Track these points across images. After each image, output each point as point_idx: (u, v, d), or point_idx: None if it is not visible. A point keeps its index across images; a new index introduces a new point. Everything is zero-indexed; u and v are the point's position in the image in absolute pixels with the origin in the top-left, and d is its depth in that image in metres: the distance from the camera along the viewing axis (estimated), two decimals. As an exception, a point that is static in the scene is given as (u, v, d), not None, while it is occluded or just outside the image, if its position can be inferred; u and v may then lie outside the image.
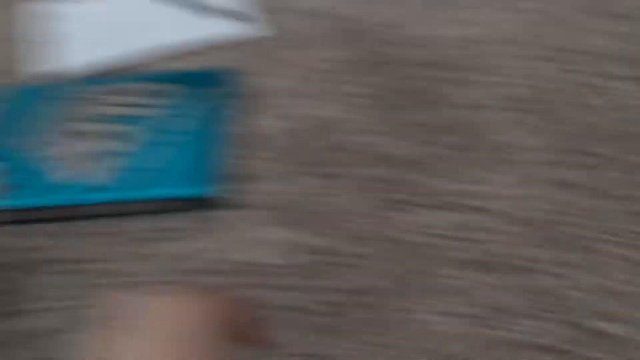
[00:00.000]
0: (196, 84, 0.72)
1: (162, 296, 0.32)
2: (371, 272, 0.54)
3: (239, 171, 0.64)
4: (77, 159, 0.63)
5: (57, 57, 0.81)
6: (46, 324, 0.53)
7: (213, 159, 0.62)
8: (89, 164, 0.62)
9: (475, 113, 0.67)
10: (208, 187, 0.59)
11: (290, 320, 0.51)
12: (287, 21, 0.84)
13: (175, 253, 0.57)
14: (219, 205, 0.59)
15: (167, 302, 0.31)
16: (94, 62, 0.79)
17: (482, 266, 0.54)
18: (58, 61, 0.80)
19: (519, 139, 0.64)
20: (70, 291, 0.55)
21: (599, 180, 0.60)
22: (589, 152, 0.63)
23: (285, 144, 0.66)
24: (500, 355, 0.49)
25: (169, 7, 0.89)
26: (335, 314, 0.51)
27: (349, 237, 0.56)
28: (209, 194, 0.59)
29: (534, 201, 0.58)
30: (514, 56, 0.74)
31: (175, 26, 0.85)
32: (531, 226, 0.56)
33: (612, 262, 0.54)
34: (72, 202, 0.59)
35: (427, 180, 0.61)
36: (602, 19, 0.78)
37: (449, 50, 0.76)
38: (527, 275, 0.53)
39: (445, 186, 0.60)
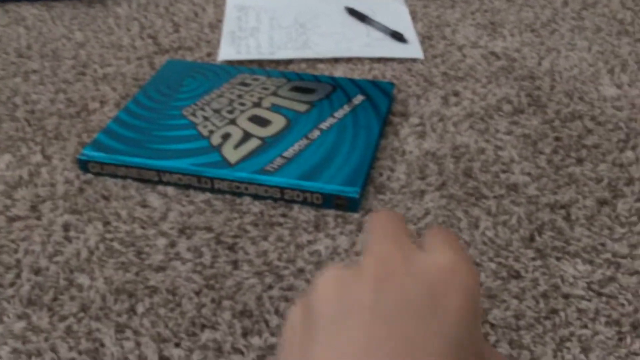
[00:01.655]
0: (361, 92, 0.74)
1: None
2: (487, 303, 0.52)
3: (375, 180, 0.64)
4: (218, 133, 0.68)
5: (245, 48, 0.87)
6: (168, 277, 0.56)
7: (363, 163, 0.63)
8: (229, 141, 0.66)
9: (630, 175, 0.63)
10: (354, 190, 0.60)
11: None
12: (442, 50, 0.85)
13: (307, 244, 0.58)
14: (357, 208, 0.60)
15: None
16: (275, 55, 0.85)
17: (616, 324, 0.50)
18: (247, 50, 0.86)
19: (677, 206, 0.59)
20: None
21: None
22: None
23: (423, 162, 0.66)
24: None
25: (358, 23, 0.93)
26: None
27: (471, 264, 0.55)
28: (354, 196, 0.60)
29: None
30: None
31: (362, 41, 0.88)
32: (674, 298, 0.52)
33: None
34: (230, 177, 0.63)
35: (567, 228, 0.58)
36: None
37: (612, 110, 0.72)
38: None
39: (586, 237, 0.57)
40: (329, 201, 0.61)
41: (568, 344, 0.48)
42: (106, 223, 0.61)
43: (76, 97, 0.79)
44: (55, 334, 0.51)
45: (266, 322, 0.51)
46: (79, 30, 0.94)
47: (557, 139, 0.68)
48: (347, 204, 0.61)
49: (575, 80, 0.77)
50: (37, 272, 0.56)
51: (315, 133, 0.68)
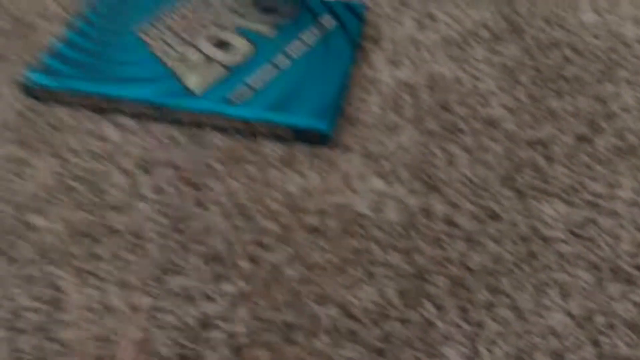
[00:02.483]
0: (330, 12, 0.69)
1: None
2: (465, 247, 0.50)
3: (346, 111, 0.61)
4: (177, 57, 0.62)
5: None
6: (130, 217, 0.53)
7: (335, 95, 0.59)
8: (189, 67, 0.61)
9: (610, 109, 0.61)
10: (327, 123, 0.57)
11: (370, 273, 0.49)
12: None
13: (277, 182, 0.55)
14: (328, 142, 0.57)
15: None
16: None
17: (595, 268, 0.49)
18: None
19: (654, 143, 0.58)
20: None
21: None
22: None
23: (397, 93, 0.63)
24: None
25: None
26: (418, 277, 0.49)
27: (445, 203, 0.53)
28: (326, 130, 0.57)
29: (657, 213, 0.53)
30: (668, 55, 0.67)
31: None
32: (649, 239, 0.51)
33: None
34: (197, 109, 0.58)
35: (546, 166, 0.56)
36: None
37: (591, 38, 0.69)
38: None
39: (564, 176, 0.55)
40: (299, 135, 0.58)
41: (547, 289, 0.47)
42: (59, 157, 0.56)
43: (18, 12, 0.71)
44: (12, 281, 0.48)
45: (238, 268, 0.49)
46: None
47: (536, 69, 0.65)
48: (319, 139, 0.57)
49: (553, 5, 0.74)
50: (-15, 213, 0.52)
51: (284, 61, 0.63)
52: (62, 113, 0.60)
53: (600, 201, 0.53)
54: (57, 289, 0.48)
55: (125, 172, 0.55)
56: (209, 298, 0.47)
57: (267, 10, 0.69)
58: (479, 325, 0.46)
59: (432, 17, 0.72)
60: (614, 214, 0.52)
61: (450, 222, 0.52)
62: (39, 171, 0.55)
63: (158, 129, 0.59)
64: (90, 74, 0.61)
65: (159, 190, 0.54)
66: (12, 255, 0.49)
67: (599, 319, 0.45)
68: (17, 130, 0.58)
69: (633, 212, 0.52)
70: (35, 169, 0.55)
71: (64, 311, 0.46)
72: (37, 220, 0.52)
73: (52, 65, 0.62)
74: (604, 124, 0.59)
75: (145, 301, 0.47)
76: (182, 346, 0.45)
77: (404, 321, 0.46)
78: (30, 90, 0.61)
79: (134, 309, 0.47)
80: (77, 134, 0.58)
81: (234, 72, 0.61)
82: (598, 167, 0.56)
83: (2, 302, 0.47)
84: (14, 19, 0.70)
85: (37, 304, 0.47)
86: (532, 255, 0.49)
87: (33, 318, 0.46)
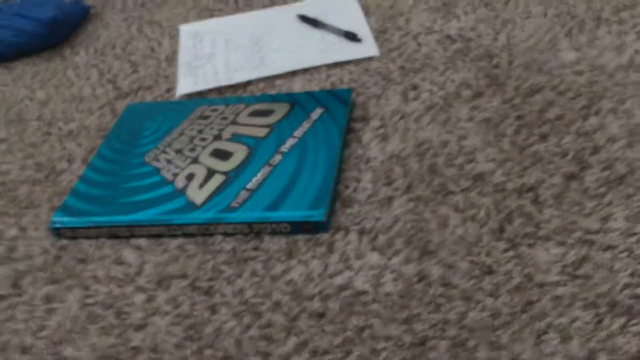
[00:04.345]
0: (319, 104, 0.74)
1: None
2: (462, 306, 0.51)
3: (342, 193, 0.64)
4: (182, 175, 0.68)
5: (202, 77, 0.87)
6: (152, 332, 0.56)
7: (327, 181, 0.63)
8: (193, 182, 0.66)
9: (596, 142, 0.62)
10: (320, 212, 0.60)
11: (373, 349, 0.50)
12: (398, 42, 0.84)
13: (281, 275, 0.58)
14: (326, 228, 0.60)
15: None
16: (232, 80, 0.84)
17: (594, 307, 0.49)
18: (204, 79, 0.86)
19: (647, 167, 0.58)
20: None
21: None
22: None
23: (388, 167, 0.65)
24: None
25: (311, 29, 0.92)
26: (419, 345, 0.49)
27: (440, 265, 0.54)
28: (320, 219, 0.60)
29: (658, 238, 0.52)
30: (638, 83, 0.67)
31: (317, 49, 0.87)
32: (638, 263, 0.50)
33: None
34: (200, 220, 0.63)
35: (535, 211, 0.57)
36: None
37: (572, 76, 0.71)
38: None
39: (555, 218, 0.56)
40: (297, 227, 0.61)
41: (546, 337, 0.47)
42: (85, 288, 0.61)
43: (44, 159, 0.79)
44: (46, 412, 0.52)
45: (248, 365, 0.51)
46: (40, 88, 0.94)
47: (518, 117, 0.67)
48: (315, 228, 0.60)
49: (532, 51, 0.76)
50: (23, 350, 0.57)
51: (277, 158, 0.67)
52: (86, 246, 0.66)
53: (593, 237, 0.53)
54: (89, 412, 0.51)
55: (142, 290, 0.60)
56: (225, 399, 0.50)
57: (262, 113, 0.74)
58: (482, 384, 0.46)
59: (415, 87, 0.75)
60: (608, 247, 0.52)
61: (446, 284, 0.53)
62: (68, 304, 0.60)
63: (171, 243, 0.64)
64: (106, 206, 0.66)
65: (174, 302, 0.58)
66: (47, 387, 0.54)
67: (602, 357, 0.45)
68: (48, 270, 0.64)
69: (627, 242, 0.52)
70: (65, 302, 0.60)
71: None
72: (67, 351, 0.56)
73: (73, 205, 0.68)
74: (591, 159, 0.60)
75: (166, 411, 0.50)
76: None
77: (409, 392, 0.47)
78: (57, 232, 0.67)
79: (157, 420, 0.49)
80: (99, 263, 0.63)
81: (232, 178, 0.66)
82: (588, 203, 0.56)
83: None
84: (41, 167, 0.78)
85: None
86: (529, 303, 0.50)
87: None
